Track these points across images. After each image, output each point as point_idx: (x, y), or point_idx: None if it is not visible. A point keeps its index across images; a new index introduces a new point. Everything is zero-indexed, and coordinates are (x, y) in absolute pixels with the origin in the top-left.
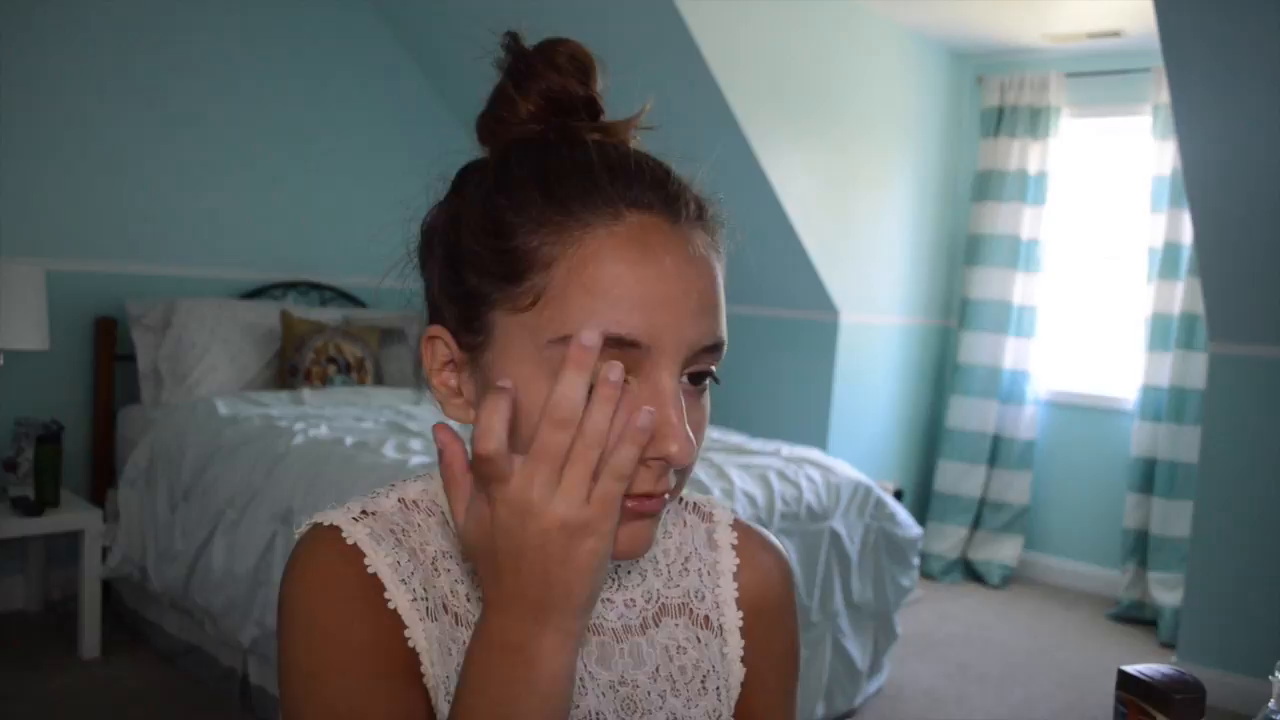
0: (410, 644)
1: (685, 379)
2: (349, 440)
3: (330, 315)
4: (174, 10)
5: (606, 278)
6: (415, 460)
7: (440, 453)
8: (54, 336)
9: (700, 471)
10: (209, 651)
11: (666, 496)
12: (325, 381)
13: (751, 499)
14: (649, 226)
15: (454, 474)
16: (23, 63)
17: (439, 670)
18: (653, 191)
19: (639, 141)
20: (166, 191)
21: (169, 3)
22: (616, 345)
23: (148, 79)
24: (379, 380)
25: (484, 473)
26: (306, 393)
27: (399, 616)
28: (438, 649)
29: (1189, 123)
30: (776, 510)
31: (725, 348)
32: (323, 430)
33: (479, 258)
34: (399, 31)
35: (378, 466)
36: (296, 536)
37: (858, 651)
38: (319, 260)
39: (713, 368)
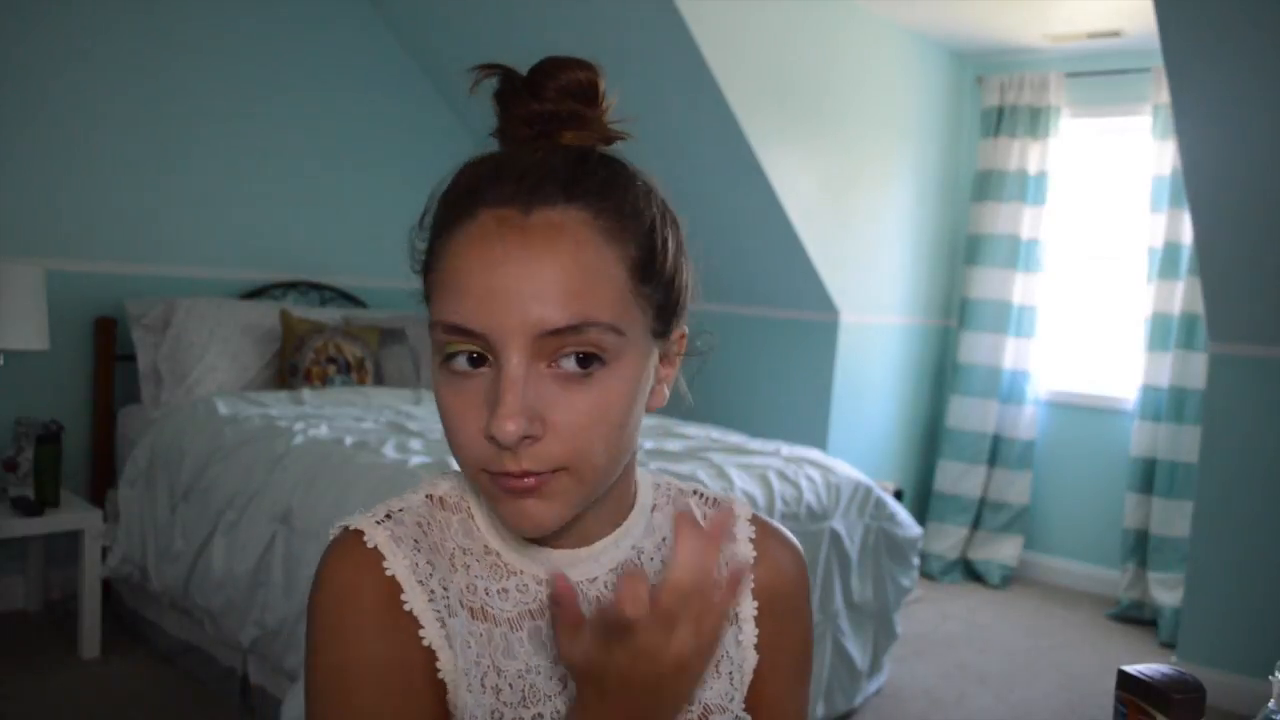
0: (425, 643)
1: (559, 363)
2: (349, 440)
3: (330, 315)
4: (173, 11)
5: (449, 272)
6: (415, 460)
7: (559, 601)
8: (54, 336)
9: (700, 471)
10: (209, 651)
11: (530, 481)
12: (325, 381)
13: (751, 499)
14: (497, 219)
15: (570, 620)
16: (23, 63)
17: (460, 663)
18: (513, 185)
19: (619, 149)
20: (166, 191)
21: (169, 4)
22: (458, 333)
23: (147, 79)
24: (379, 380)
25: (619, 628)
26: (306, 393)
27: (415, 618)
28: (458, 643)
29: (1189, 123)
30: (776, 510)
31: (601, 328)
32: (323, 430)
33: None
34: (400, 33)
35: (378, 466)
36: (330, 538)
37: (858, 651)
38: (319, 260)
39: (591, 351)
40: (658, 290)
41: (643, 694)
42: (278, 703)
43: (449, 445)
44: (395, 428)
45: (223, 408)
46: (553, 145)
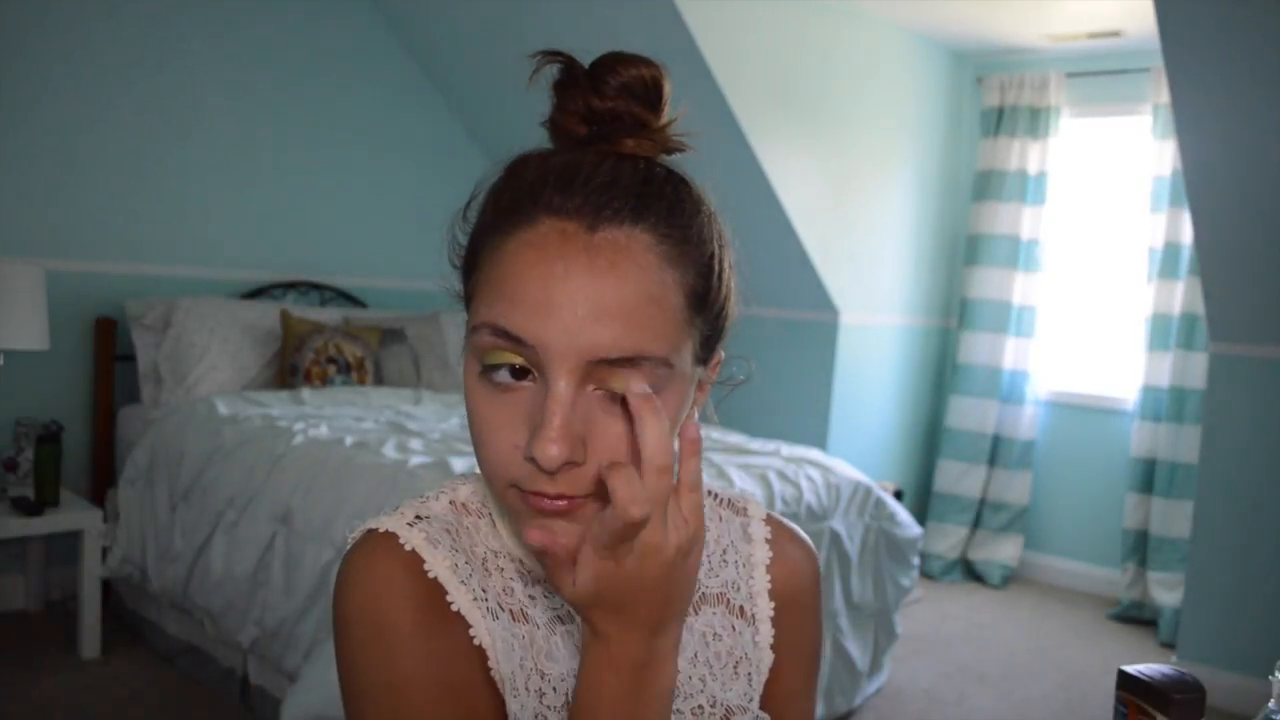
0: (476, 642)
1: (606, 383)
2: (349, 440)
3: (330, 315)
4: (173, 11)
5: (501, 278)
6: (415, 460)
7: (548, 550)
8: (54, 336)
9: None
10: (209, 651)
11: (563, 504)
12: (325, 381)
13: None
14: (559, 233)
15: (563, 560)
16: (23, 63)
17: (504, 666)
18: (577, 198)
19: (675, 160)
20: (166, 191)
21: (169, 4)
22: (506, 338)
23: (148, 79)
24: (379, 380)
25: (629, 534)
26: (306, 393)
27: (462, 617)
28: (501, 645)
29: (1189, 123)
30: (776, 510)
31: (654, 362)
32: (323, 430)
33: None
34: (401, 33)
35: (378, 466)
36: (350, 542)
37: (858, 651)
38: (319, 260)
39: (636, 384)
40: (708, 320)
41: (654, 594)
42: (277, 703)
43: (476, 455)
44: (395, 428)
45: (223, 408)
46: (617, 154)
